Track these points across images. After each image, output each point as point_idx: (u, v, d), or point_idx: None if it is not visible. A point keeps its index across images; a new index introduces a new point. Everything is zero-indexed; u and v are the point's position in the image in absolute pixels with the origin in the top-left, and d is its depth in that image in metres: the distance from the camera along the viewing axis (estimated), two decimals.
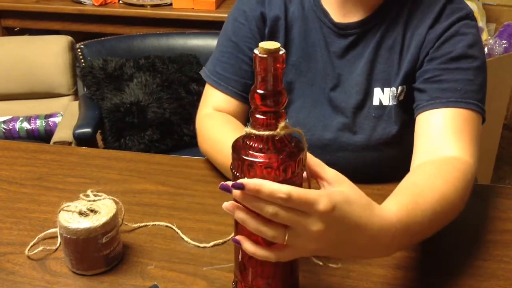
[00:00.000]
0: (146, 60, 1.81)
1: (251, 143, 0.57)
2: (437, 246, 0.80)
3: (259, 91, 0.56)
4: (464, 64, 0.87)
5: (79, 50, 1.83)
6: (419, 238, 0.69)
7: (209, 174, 0.99)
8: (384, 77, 0.94)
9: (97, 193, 0.77)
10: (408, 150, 0.87)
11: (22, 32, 3.02)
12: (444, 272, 0.76)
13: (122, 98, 1.71)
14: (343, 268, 0.75)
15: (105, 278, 0.74)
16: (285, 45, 0.97)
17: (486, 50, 2.07)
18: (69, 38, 2.15)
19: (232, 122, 0.98)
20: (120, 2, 2.66)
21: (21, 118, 1.98)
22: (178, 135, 1.78)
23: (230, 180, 0.56)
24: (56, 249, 0.79)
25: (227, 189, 0.55)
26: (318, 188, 0.59)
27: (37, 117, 1.99)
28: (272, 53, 0.54)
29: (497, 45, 2.09)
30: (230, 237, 0.81)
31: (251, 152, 0.56)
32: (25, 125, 1.96)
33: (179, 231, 0.83)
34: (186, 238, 0.81)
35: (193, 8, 2.55)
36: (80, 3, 2.63)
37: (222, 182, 0.56)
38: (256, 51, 0.55)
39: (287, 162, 0.56)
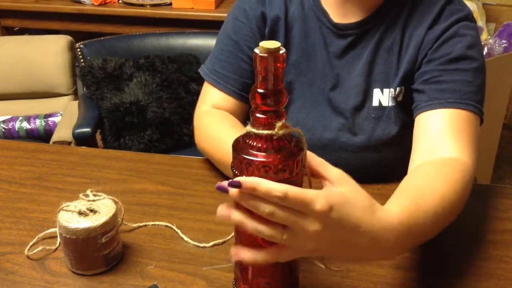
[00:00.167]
0: (146, 59, 1.81)
1: (250, 142, 0.57)
2: (437, 246, 0.80)
3: (260, 90, 0.56)
4: (463, 65, 0.87)
5: (78, 49, 1.83)
6: (421, 240, 0.68)
7: (209, 174, 0.99)
8: (383, 78, 0.94)
9: (97, 193, 0.76)
10: (408, 150, 0.87)
11: (22, 31, 3.01)
12: (444, 272, 0.76)
13: (122, 98, 1.71)
14: (343, 267, 0.75)
15: (105, 278, 0.74)
16: (285, 45, 0.97)
17: (485, 49, 2.07)
18: (69, 37, 2.15)
19: (230, 119, 0.98)
20: (120, 1, 2.66)
21: (20, 118, 1.98)
22: (178, 135, 1.78)
23: (229, 178, 0.56)
24: (56, 249, 0.79)
25: (223, 190, 0.54)
26: (322, 188, 0.58)
27: (36, 116, 1.99)
28: (273, 52, 0.54)
29: (496, 44, 2.08)
30: (230, 237, 0.81)
31: (250, 151, 0.56)
32: (25, 124, 1.96)
33: (178, 231, 0.83)
34: (186, 238, 0.81)
35: (192, 8, 2.55)
36: (80, 2, 2.63)
37: (218, 183, 0.55)
38: (256, 50, 0.55)
39: (286, 161, 0.56)
